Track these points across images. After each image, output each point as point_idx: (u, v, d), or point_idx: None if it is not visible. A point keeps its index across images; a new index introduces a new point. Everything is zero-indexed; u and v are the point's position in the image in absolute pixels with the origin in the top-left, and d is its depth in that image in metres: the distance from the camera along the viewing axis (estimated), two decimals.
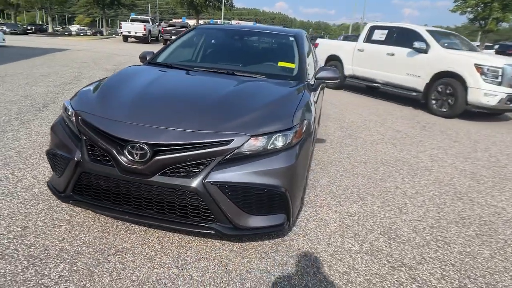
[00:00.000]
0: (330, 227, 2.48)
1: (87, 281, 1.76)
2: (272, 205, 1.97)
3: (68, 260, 1.90)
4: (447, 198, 3.17)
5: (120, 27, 27.37)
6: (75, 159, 1.94)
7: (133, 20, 27.41)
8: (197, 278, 1.85)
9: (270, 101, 2.25)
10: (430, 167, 3.98)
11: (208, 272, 1.90)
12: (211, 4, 52.00)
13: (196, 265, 1.95)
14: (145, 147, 1.79)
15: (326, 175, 3.46)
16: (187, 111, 2.03)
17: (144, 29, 25.33)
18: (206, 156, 1.82)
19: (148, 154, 1.79)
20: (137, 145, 1.80)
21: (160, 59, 3.18)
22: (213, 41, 3.67)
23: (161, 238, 2.16)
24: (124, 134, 1.84)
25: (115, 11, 61.50)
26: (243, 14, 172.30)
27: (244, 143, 1.86)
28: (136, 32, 25.56)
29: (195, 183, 1.79)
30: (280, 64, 3.08)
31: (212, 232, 1.89)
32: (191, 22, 31.50)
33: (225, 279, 1.86)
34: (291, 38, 3.39)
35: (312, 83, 3.02)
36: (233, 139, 1.85)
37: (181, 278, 1.84)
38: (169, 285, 1.79)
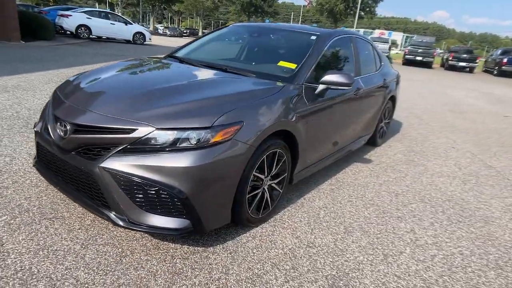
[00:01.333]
0: (271, 252, 2.15)
1: (7, 234, 2.02)
2: (169, 207, 1.84)
3: (14, 215, 2.21)
4: (477, 262, 2.31)
5: None
6: (34, 129, 2.25)
7: None
8: (86, 260, 1.89)
9: (210, 97, 2.11)
10: (493, 218, 2.97)
11: (102, 258, 1.92)
12: (352, 12, 50.74)
13: (100, 248, 1.99)
14: (68, 125, 1.93)
15: (328, 197, 2.98)
16: (117, 98, 2.09)
17: None
18: (111, 142, 1.84)
19: (68, 132, 1.92)
20: (63, 122, 1.95)
21: (178, 53, 3.34)
22: (233, 38, 3.65)
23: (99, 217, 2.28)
24: (57, 111, 2.04)
25: (262, 18, 67.09)
26: (390, 23, 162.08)
27: (147, 134, 1.80)
28: None
29: (92, 166, 1.84)
30: (281, 64, 2.81)
31: (105, 218, 1.88)
32: None
33: (109, 268, 1.85)
34: (313, 37, 3.05)
35: (316, 87, 2.64)
36: (136, 129, 1.81)
37: (74, 255, 1.91)
38: (59, 257, 1.88)
